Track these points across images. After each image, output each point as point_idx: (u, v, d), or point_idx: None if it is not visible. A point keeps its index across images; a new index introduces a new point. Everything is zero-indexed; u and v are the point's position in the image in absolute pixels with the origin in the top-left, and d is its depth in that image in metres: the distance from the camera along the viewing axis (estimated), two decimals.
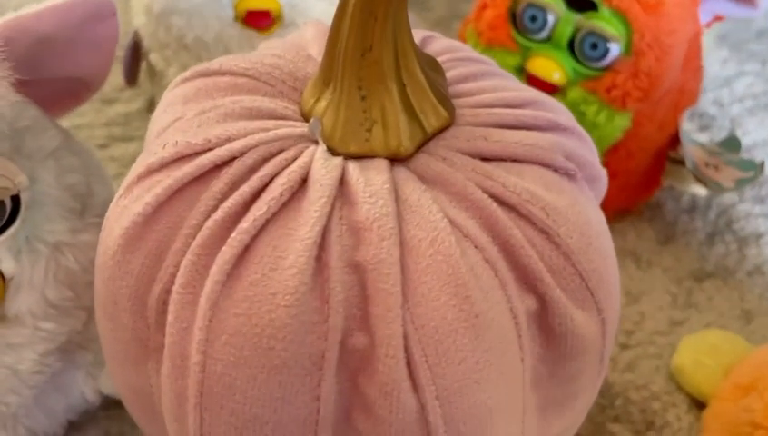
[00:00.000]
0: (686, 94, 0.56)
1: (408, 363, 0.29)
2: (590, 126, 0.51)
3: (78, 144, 0.42)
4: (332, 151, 0.33)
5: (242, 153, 0.32)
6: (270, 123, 0.34)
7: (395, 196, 0.31)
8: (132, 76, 0.62)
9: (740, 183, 0.55)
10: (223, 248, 0.30)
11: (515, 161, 0.33)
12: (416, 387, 0.29)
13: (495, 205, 0.32)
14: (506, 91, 0.36)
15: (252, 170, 0.32)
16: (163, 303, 0.31)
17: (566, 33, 0.52)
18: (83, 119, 0.64)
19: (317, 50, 0.37)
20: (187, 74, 0.37)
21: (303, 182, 0.32)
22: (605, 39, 0.51)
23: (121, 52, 0.59)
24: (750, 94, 0.70)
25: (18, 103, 0.38)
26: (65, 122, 0.44)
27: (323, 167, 0.32)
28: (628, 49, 0.51)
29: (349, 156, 0.33)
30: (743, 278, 0.56)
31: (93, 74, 0.42)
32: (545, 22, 0.52)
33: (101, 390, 0.44)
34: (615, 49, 0.51)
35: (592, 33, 0.51)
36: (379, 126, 0.33)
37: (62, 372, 0.42)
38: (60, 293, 0.40)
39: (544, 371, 0.33)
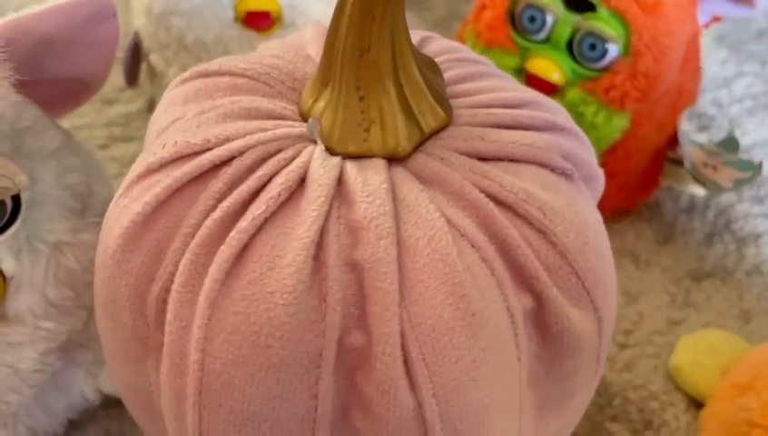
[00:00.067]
0: (685, 94, 0.56)
1: (406, 361, 0.29)
2: (588, 127, 0.51)
3: (78, 144, 0.43)
4: (330, 151, 0.33)
5: (241, 153, 0.32)
6: (269, 123, 0.34)
7: (392, 196, 0.31)
8: (132, 77, 0.62)
9: (738, 184, 0.55)
10: (222, 247, 0.30)
11: (512, 161, 0.33)
12: (413, 385, 0.29)
13: (492, 205, 0.32)
14: (503, 91, 0.36)
15: (251, 170, 0.32)
16: (163, 302, 0.32)
17: (564, 33, 0.52)
18: (84, 119, 0.64)
19: (316, 51, 0.37)
20: (187, 74, 0.37)
21: (301, 181, 0.32)
22: (604, 40, 0.51)
23: (121, 52, 0.59)
24: (749, 95, 0.70)
25: (19, 103, 0.38)
26: (66, 122, 0.44)
27: (321, 167, 0.32)
28: (627, 50, 0.51)
29: (347, 156, 0.33)
30: (741, 278, 0.56)
31: (94, 74, 0.42)
32: (543, 23, 0.52)
33: (101, 388, 0.44)
34: (613, 50, 0.51)
35: (590, 33, 0.51)
36: (377, 126, 0.33)
37: (62, 371, 0.42)
38: (60, 293, 0.40)
39: (540, 369, 0.33)
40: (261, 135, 0.33)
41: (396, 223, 0.31)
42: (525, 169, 0.33)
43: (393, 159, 0.33)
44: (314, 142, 0.33)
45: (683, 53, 0.53)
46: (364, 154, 0.33)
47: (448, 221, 0.31)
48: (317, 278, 0.30)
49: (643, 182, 0.58)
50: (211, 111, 0.35)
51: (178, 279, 0.31)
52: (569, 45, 0.52)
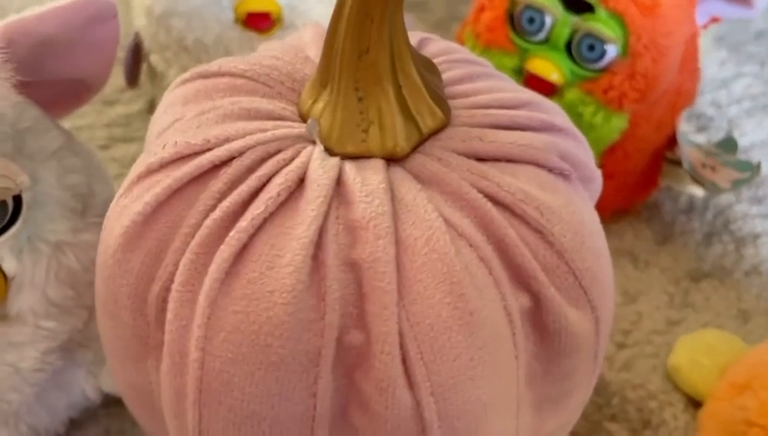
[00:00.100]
0: (683, 95, 0.56)
1: (404, 360, 0.29)
2: (587, 127, 0.51)
3: (79, 145, 0.43)
4: (329, 151, 0.33)
5: (241, 154, 0.32)
6: (269, 123, 0.34)
7: (391, 196, 0.31)
8: (132, 78, 0.62)
9: (736, 184, 0.55)
10: (222, 247, 0.31)
11: (509, 161, 0.34)
12: (411, 383, 0.30)
13: (489, 205, 0.32)
14: (501, 92, 0.36)
15: (251, 170, 0.32)
16: (163, 301, 0.32)
17: (563, 34, 0.52)
18: (85, 120, 0.64)
19: (315, 52, 0.37)
20: (187, 75, 0.38)
21: (301, 181, 0.32)
22: (602, 41, 0.51)
23: (122, 53, 0.60)
24: (748, 96, 0.70)
25: (20, 104, 0.38)
26: (67, 123, 0.45)
27: (320, 167, 0.32)
28: (625, 51, 0.51)
29: (346, 156, 0.33)
30: (740, 278, 0.56)
31: (95, 75, 0.42)
32: (542, 24, 0.52)
33: (101, 387, 0.44)
34: (611, 51, 0.51)
35: (589, 34, 0.51)
36: (376, 127, 0.33)
37: (63, 370, 0.42)
38: (61, 292, 0.40)
39: (538, 368, 0.33)
40: (261, 136, 0.33)
41: (394, 223, 0.31)
42: (522, 169, 0.34)
43: (391, 159, 0.33)
44: (313, 142, 0.33)
45: (681, 53, 0.53)
46: (363, 155, 0.33)
47: (446, 220, 0.31)
48: (316, 277, 0.30)
49: (641, 182, 0.58)
50: (210, 111, 0.35)
51: (178, 278, 0.31)
52: (568, 46, 0.52)
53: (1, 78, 0.37)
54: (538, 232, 0.32)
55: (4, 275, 0.38)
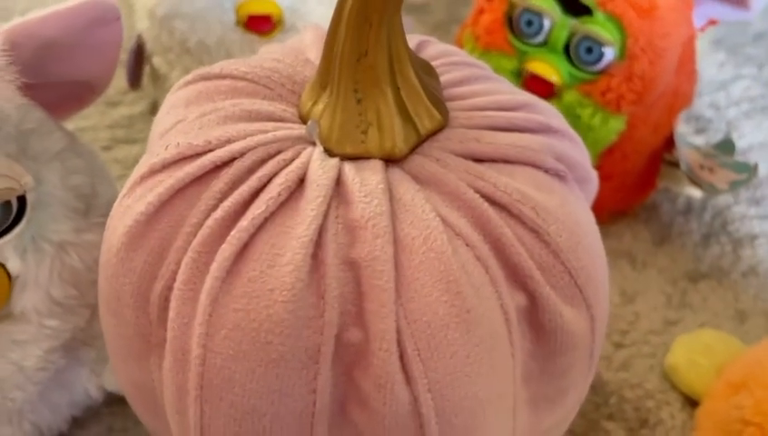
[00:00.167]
0: (680, 97, 0.56)
1: (402, 357, 0.30)
2: (585, 129, 0.51)
3: (83, 146, 0.43)
4: (329, 152, 0.33)
5: (242, 154, 0.33)
6: (269, 125, 0.34)
7: (389, 196, 0.32)
8: (135, 80, 0.63)
9: (734, 185, 0.55)
10: (223, 246, 0.31)
11: (506, 162, 0.34)
12: (409, 380, 0.30)
13: (486, 205, 0.32)
14: (498, 94, 0.36)
15: (251, 170, 0.33)
16: (165, 300, 0.32)
17: (561, 37, 0.52)
18: (88, 121, 0.64)
19: (315, 54, 0.38)
20: (189, 77, 0.38)
21: (301, 182, 0.32)
22: (600, 43, 0.51)
23: (124, 55, 0.60)
24: (746, 98, 0.70)
25: (24, 105, 0.38)
26: (70, 124, 0.45)
27: (320, 168, 0.32)
28: (623, 53, 0.51)
29: (346, 157, 0.33)
30: (737, 279, 0.56)
31: (98, 77, 0.43)
32: (541, 26, 0.53)
33: (104, 386, 0.44)
34: (609, 53, 0.51)
35: (587, 37, 0.52)
36: (375, 128, 0.33)
37: (66, 369, 0.42)
38: (64, 292, 0.40)
39: (534, 366, 0.33)
40: (262, 137, 0.33)
41: (392, 223, 0.31)
42: (519, 170, 0.34)
43: (390, 160, 0.33)
44: (313, 143, 0.34)
45: (678, 56, 0.54)
46: (362, 156, 0.33)
47: (444, 220, 0.32)
48: (315, 276, 0.30)
49: (639, 183, 0.58)
50: (212, 113, 0.35)
51: (180, 277, 0.31)
52: (566, 49, 0.53)
53: (5, 80, 0.37)
54: (534, 231, 0.32)
55: (9, 275, 0.39)
